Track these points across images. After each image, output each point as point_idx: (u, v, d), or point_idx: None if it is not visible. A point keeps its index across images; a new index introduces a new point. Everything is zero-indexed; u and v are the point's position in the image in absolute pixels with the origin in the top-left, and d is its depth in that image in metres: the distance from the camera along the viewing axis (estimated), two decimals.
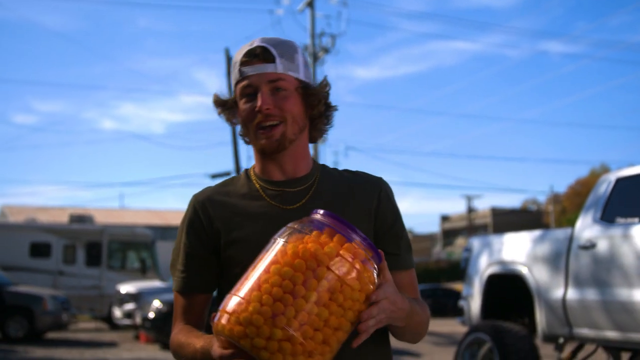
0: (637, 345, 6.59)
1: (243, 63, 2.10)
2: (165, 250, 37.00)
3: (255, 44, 2.10)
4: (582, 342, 7.40)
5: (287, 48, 2.11)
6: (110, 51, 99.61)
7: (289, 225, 1.82)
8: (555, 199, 58.83)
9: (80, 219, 25.07)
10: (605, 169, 53.41)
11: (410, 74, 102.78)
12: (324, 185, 2.18)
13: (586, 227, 7.01)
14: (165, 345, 15.60)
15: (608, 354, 7.43)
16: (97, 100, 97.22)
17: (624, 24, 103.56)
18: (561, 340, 7.34)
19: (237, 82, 2.12)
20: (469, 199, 57.90)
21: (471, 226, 56.57)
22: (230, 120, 2.19)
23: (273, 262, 1.72)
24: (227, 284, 2.09)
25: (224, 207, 2.15)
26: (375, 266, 1.78)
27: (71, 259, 22.90)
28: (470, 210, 58.23)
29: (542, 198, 69.53)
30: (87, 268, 22.85)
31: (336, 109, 2.21)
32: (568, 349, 7.99)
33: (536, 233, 7.92)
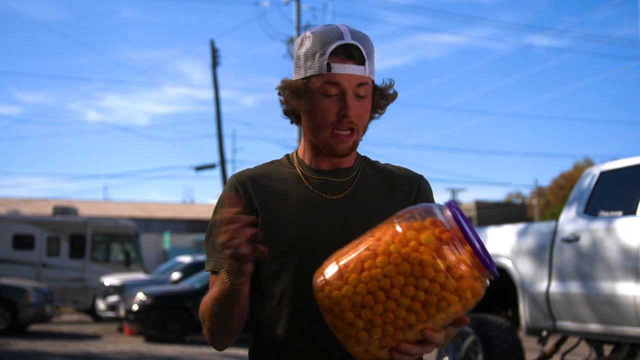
0: (619, 338, 6.62)
1: (333, 59, 2.01)
2: (149, 243, 36.95)
3: (347, 40, 2.01)
4: (565, 335, 7.42)
5: (370, 47, 2.06)
6: (94, 42, 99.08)
7: (418, 208, 1.79)
8: (539, 192, 59.06)
9: (63, 210, 24.97)
10: (589, 163, 53.62)
11: (396, 66, 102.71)
12: (367, 178, 2.16)
13: (570, 221, 7.03)
14: (149, 337, 15.58)
15: (590, 347, 7.46)
16: (82, 91, 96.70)
17: (609, 18, 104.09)
18: (544, 333, 7.36)
19: (319, 75, 2.02)
20: (454, 192, 58.06)
21: None
22: (296, 108, 2.10)
23: (383, 252, 1.69)
24: (261, 267, 2.09)
25: (264, 190, 2.12)
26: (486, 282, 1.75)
27: (55, 251, 22.79)
28: None
29: (526, 191, 70.02)
30: (70, 260, 22.74)
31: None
32: (551, 342, 8.02)
33: (520, 226, 7.94)
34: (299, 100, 2.08)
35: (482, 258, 1.69)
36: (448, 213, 1.74)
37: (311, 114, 2.06)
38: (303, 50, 2.06)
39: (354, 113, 2.02)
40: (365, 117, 2.07)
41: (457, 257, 1.68)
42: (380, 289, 1.66)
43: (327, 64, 2.01)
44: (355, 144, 2.09)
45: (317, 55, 2.02)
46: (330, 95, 2.02)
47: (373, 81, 2.08)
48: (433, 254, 1.66)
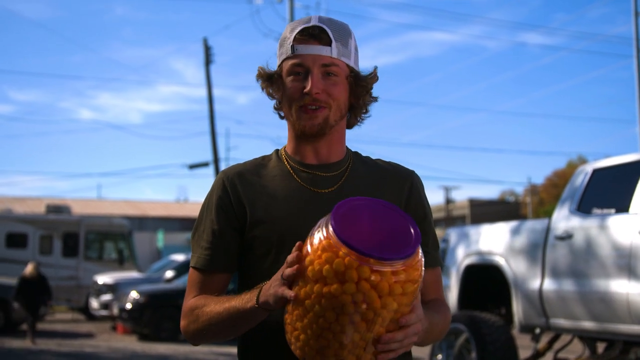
0: (612, 336, 6.63)
1: (297, 40, 2.06)
2: (143, 241, 36.90)
3: (313, 22, 2.06)
4: (558, 332, 7.44)
5: (342, 32, 2.08)
6: (87, 40, 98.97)
7: (322, 221, 1.75)
8: (532, 190, 59.14)
9: (57, 209, 24.92)
10: (583, 161, 53.69)
11: (388, 64, 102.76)
12: (357, 173, 2.16)
13: (563, 218, 7.04)
14: (142, 336, 15.55)
15: (584, 344, 7.47)
16: (75, 89, 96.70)
17: (602, 16, 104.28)
18: (538, 330, 7.37)
19: (287, 58, 2.08)
20: (447, 190, 58.07)
21: (449, 217, 56.72)
22: (273, 95, 2.15)
23: (307, 298, 1.70)
24: (250, 264, 2.10)
25: (253, 186, 2.12)
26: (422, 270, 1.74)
27: (48, 249, 22.75)
28: (448, 201, 58.39)
29: (519, 189, 70.03)
30: (64, 259, 22.71)
31: (377, 100, 2.19)
32: (544, 340, 8.03)
33: (513, 224, 7.95)
34: (273, 87, 2.13)
35: (358, 250, 1.66)
36: (329, 227, 1.72)
37: (283, 97, 2.11)
38: (280, 40, 2.12)
39: (318, 90, 2.03)
40: (338, 97, 2.07)
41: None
42: (324, 329, 1.70)
43: (291, 46, 2.06)
44: (327, 122, 2.08)
45: (286, 40, 2.08)
46: (296, 75, 2.06)
47: (349, 66, 2.09)
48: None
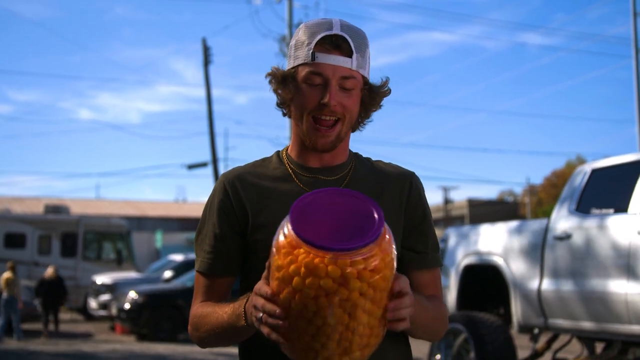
0: (611, 336, 6.64)
1: (318, 48, 2.01)
2: (141, 241, 36.86)
3: (335, 30, 2.02)
4: (557, 332, 7.45)
5: (361, 41, 2.05)
6: (87, 40, 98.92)
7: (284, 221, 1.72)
8: (531, 190, 59.12)
9: (55, 209, 24.94)
10: (581, 161, 53.64)
11: (388, 64, 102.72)
12: (358, 176, 2.15)
13: (562, 218, 7.04)
14: (141, 336, 15.55)
15: (582, 344, 7.48)
16: (74, 89, 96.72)
17: (602, 17, 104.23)
18: (536, 330, 7.38)
19: (305, 64, 2.03)
20: (446, 190, 58.08)
21: (448, 217, 56.73)
22: (283, 96, 2.11)
23: (289, 288, 1.66)
24: (252, 267, 2.08)
25: (254, 189, 2.10)
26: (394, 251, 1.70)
27: (46, 249, 22.76)
28: (447, 201, 58.41)
29: (518, 189, 69.88)
30: (62, 259, 22.72)
31: (381, 107, 2.17)
32: (543, 340, 8.03)
33: (512, 224, 7.95)
34: (284, 88, 2.09)
35: (315, 245, 1.63)
36: (288, 224, 1.69)
37: (295, 102, 2.07)
38: (294, 40, 2.08)
39: (335, 103, 2.01)
40: (352, 109, 2.06)
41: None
42: (308, 323, 1.67)
43: (312, 53, 2.01)
44: (339, 138, 2.06)
45: (305, 44, 2.03)
46: (313, 84, 2.02)
47: (364, 76, 2.07)
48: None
